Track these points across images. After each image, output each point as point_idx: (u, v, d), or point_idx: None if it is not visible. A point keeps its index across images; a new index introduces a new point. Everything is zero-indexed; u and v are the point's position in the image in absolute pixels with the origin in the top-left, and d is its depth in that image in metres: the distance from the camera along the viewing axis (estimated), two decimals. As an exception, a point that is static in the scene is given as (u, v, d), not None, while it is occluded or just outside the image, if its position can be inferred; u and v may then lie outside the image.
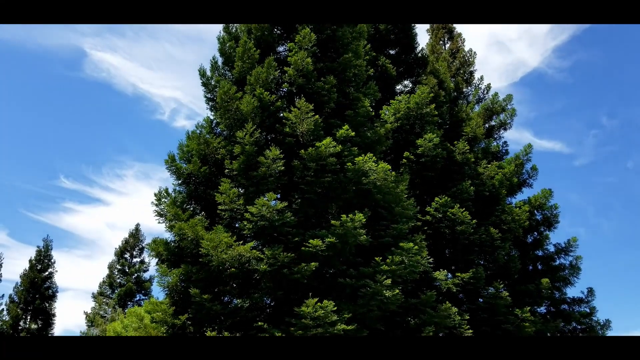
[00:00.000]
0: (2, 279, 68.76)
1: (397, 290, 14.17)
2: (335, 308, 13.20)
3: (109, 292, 56.19)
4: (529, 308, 20.22)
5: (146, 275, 56.51)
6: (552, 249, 25.63)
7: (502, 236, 20.75)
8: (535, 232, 25.72)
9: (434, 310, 15.76)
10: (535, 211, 25.57)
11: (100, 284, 57.66)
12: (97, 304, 55.66)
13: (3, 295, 58.57)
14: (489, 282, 20.33)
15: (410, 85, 24.53)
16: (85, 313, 56.10)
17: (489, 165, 22.93)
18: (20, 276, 51.11)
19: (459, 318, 16.46)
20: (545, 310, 24.86)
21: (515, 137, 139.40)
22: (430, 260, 16.29)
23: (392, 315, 14.86)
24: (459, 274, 19.06)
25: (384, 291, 13.86)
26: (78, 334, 73.19)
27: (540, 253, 25.62)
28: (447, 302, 16.13)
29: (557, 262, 25.30)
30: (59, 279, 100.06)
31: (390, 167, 15.55)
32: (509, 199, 24.71)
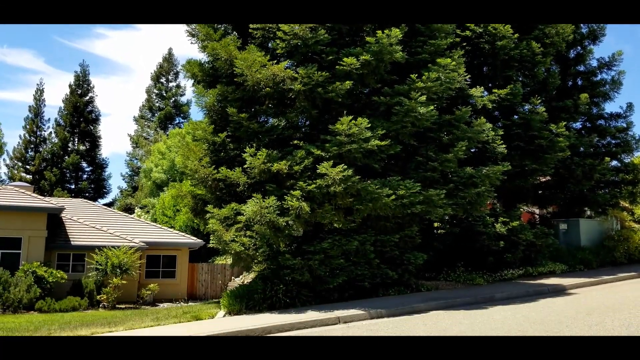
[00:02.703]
0: (46, 104, 71.13)
1: (432, 107, 14.17)
2: (370, 125, 13.39)
3: (149, 116, 58.00)
4: (564, 123, 20.16)
5: (183, 99, 57.64)
6: (594, 63, 24.75)
7: (544, 51, 19.93)
8: (579, 47, 24.61)
9: (468, 125, 15.84)
10: (581, 24, 24.18)
11: (140, 107, 59.43)
12: (139, 127, 57.89)
13: (49, 119, 61.23)
14: (525, 99, 20.08)
15: None
16: (129, 135, 58.77)
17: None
18: (63, 101, 52.76)
19: (493, 134, 16.57)
20: (580, 126, 24.80)
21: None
22: (467, 77, 15.99)
23: (425, 132, 15.04)
24: (495, 91, 18.78)
25: (418, 108, 13.88)
26: (124, 156, 77.20)
27: (581, 68, 24.79)
28: (482, 117, 16.12)
29: (599, 77, 24.58)
30: (100, 104, 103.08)
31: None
32: (555, 10, 23.19)
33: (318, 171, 13.07)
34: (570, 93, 23.31)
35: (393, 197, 13.19)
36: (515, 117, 19.88)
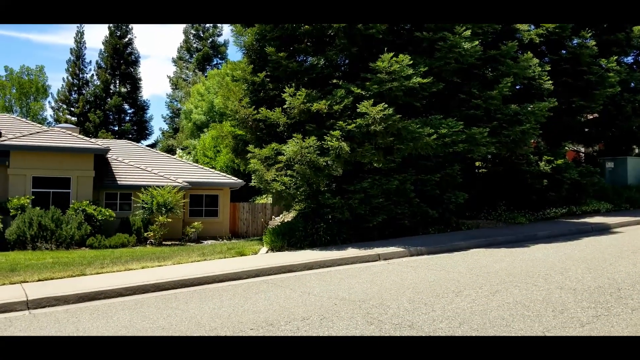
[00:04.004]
0: (87, 47, 71.85)
1: (476, 42, 13.70)
2: (411, 62, 13.09)
3: (187, 57, 58.06)
4: (615, 58, 19.27)
5: (220, 39, 57.36)
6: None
7: (597, -21, 18.80)
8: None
9: (514, 61, 15.30)
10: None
11: (178, 49, 59.52)
12: (178, 69, 58.15)
13: (90, 62, 62.02)
14: (574, 32, 19.18)
15: None
16: (169, 77, 59.22)
17: None
18: (103, 43, 53.28)
19: (539, 69, 16.00)
20: (632, 60, 23.65)
21: None
22: (514, 9, 15.31)
23: (469, 68, 14.62)
24: (543, 25, 17.96)
25: (463, 43, 13.45)
26: (164, 97, 77.94)
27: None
28: (529, 52, 15.52)
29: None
30: (139, 46, 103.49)
31: None
32: None
33: (358, 110, 12.95)
34: (622, 25, 22.13)
35: (435, 136, 13.02)
36: (564, 51, 19.09)
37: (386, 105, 12.67)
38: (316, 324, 6.35)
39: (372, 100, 12.81)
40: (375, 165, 13.73)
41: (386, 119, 12.69)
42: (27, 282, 9.44)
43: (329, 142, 12.91)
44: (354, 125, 12.90)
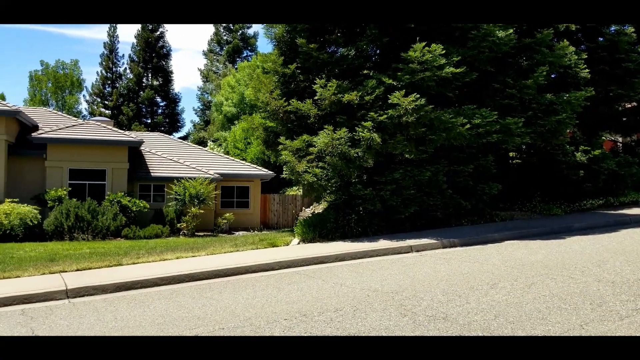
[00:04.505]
0: (120, 41, 73.00)
1: (511, 30, 13.45)
2: (444, 51, 12.91)
3: (217, 50, 58.46)
4: (656, 44, 18.68)
5: (250, 31, 57.49)
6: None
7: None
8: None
9: (549, 49, 14.96)
10: None
11: (208, 41, 59.92)
12: (208, 61, 58.61)
13: (123, 56, 63.00)
14: (613, 19, 18.64)
15: None
16: (199, 70, 59.78)
17: None
18: (135, 36, 54.06)
19: (576, 57, 15.60)
20: (675, 48, 22.85)
21: None
22: (549, -4, 14.95)
23: (503, 57, 14.34)
24: (579, 11, 17.49)
25: (496, 31, 13.21)
26: (195, 90, 78.63)
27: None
28: (565, 40, 15.14)
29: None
30: (170, 39, 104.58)
31: None
32: None
33: (389, 101, 12.85)
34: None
35: (468, 126, 12.85)
36: (601, 39, 18.57)
37: (418, 96, 12.55)
38: (349, 315, 6.36)
39: (404, 90, 12.69)
40: (406, 156, 13.63)
41: (418, 109, 12.57)
42: (66, 271, 9.69)
43: (360, 134, 12.85)
44: (385, 116, 12.82)
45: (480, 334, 5.43)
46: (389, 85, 13.19)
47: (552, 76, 16.28)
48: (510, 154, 19.03)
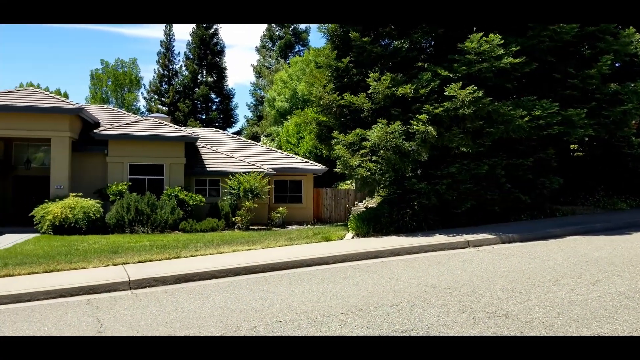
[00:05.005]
0: (175, 39, 74.82)
1: (573, 18, 12.92)
2: (502, 41, 12.55)
3: (270, 45, 59.02)
4: None
5: (302, 26, 57.70)
6: None
7: None
8: None
9: (614, 37, 14.29)
10: None
11: (260, 37, 60.61)
12: (261, 57, 59.27)
13: (179, 53, 64.54)
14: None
15: None
16: (252, 66, 60.47)
17: None
18: (190, 34, 55.14)
19: (644, 45, 14.85)
20: None
21: None
22: (614, -19, 14.28)
23: (565, 46, 13.81)
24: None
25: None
26: (248, 86, 79.71)
27: None
28: (631, 27, 14.42)
29: None
30: (224, 35, 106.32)
31: None
32: None
33: (445, 93, 12.62)
34: None
35: (527, 118, 12.46)
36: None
37: (475, 88, 12.26)
38: (406, 310, 6.28)
39: (460, 82, 12.43)
40: (463, 149, 13.36)
41: (475, 101, 12.28)
42: (128, 263, 10.02)
43: (414, 127, 12.68)
44: (441, 109, 12.59)
45: (543, 333, 5.26)
46: (444, 77, 12.94)
47: (617, 65, 15.56)
48: (572, 147, 18.34)
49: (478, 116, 12.63)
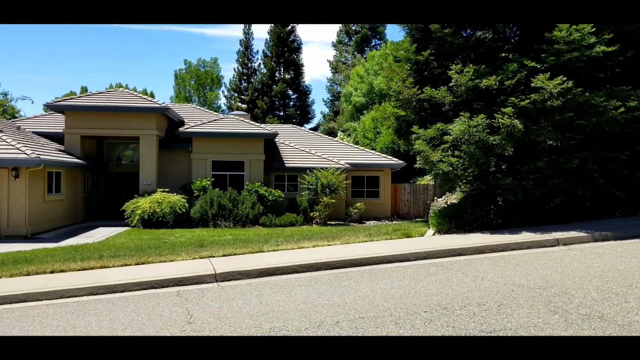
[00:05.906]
0: (254, 37, 76.45)
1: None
2: (594, 29, 11.86)
3: (346, 40, 59.03)
4: None
5: (378, 20, 57.25)
6: None
7: None
8: None
9: None
10: None
11: (337, 32, 60.68)
12: (337, 52, 59.40)
13: (257, 52, 65.89)
14: None
15: None
16: (328, 61, 60.69)
17: None
18: (268, 32, 56.13)
19: None
20: None
21: None
22: None
23: (665, 31, 12.88)
24: None
25: (657, 3, 11.84)
26: (324, 82, 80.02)
27: None
28: None
29: None
30: (300, 32, 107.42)
31: None
32: None
33: (532, 85, 12.09)
34: None
35: (622, 109, 11.72)
36: None
37: (565, 78, 11.67)
38: (493, 310, 6.08)
39: (549, 73, 11.87)
40: (550, 143, 12.75)
41: (565, 92, 11.69)
42: (214, 256, 10.34)
43: (499, 120, 12.24)
44: (527, 101, 12.07)
45: (645, 338, 4.92)
46: (531, 68, 12.40)
47: None
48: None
49: (568, 108, 12.01)
